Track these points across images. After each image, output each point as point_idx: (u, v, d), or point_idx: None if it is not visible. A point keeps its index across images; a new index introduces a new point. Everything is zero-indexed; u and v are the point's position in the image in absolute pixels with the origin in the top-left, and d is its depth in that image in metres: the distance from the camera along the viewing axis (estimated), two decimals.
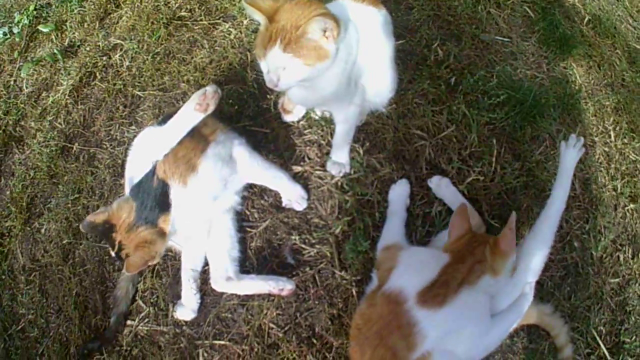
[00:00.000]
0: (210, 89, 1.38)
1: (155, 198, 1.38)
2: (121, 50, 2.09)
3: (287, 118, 1.78)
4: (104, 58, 2.11)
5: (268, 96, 1.81)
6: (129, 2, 2.20)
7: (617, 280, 1.78)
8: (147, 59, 2.02)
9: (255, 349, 1.58)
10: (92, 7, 2.29)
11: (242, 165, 1.55)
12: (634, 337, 1.79)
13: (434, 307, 1.32)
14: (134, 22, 2.11)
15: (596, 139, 1.85)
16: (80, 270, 1.84)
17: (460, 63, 1.83)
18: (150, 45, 2.07)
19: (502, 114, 1.73)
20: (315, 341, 1.58)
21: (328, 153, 1.70)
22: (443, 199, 1.65)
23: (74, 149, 2.04)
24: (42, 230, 1.98)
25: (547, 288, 1.70)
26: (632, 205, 1.86)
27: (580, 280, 1.73)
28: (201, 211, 1.51)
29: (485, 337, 1.41)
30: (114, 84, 1.99)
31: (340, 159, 1.66)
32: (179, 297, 1.67)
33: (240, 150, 1.54)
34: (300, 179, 1.69)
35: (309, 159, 1.73)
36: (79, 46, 2.19)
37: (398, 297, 1.35)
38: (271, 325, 1.60)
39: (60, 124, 2.13)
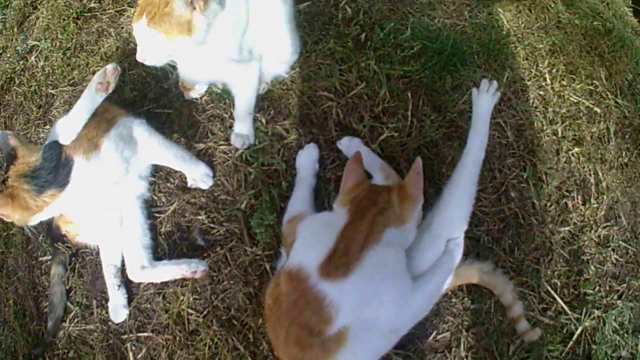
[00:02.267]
0: (109, 67, 1.41)
1: (56, 168, 1.38)
2: (37, 51, 2.14)
3: (189, 95, 1.79)
4: (22, 62, 2.16)
5: (170, 76, 1.80)
6: (45, 2, 2.26)
7: (567, 228, 1.72)
8: (59, 56, 2.06)
9: (178, 337, 1.57)
10: (12, 12, 2.35)
11: (143, 145, 1.55)
12: (597, 288, 1.71)
13: (338, 278, 1.28)
14: (48, 22, 2.17)
15: (529, 83, 1.79)
16: (14, 279, 1.86)
17: (371, 19, 1.79)
18: (62, 41, 2.11)
19: (418, 66, 1.70)
20: (235, 322, 1.57)
21: (231, 127, 1.70)
22: None
23: None
24: None
25: (485, 243, 1.64)
26: (577, 149, 1.79)
27: (522, 232, 1.66)
28: (102, 194, 1.51)
29: (409, 301, 1.36)
30: (30, 86, 2.04)
31: (243, 130, 1.65)
32: (102, 292, 1.68)
33: (140, 130, 1.55)
34: (205, 156, 1.69)
35: (213, 134, 1.73)
36: (0, 54, 2.25)
37: (299, 274, 1.31)
38: (190, 311, 1.59)
39: None
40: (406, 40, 1.74)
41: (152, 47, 1.33)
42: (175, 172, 1.70)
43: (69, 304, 1.72)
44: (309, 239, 1.38)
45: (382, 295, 1.31)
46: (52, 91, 1.97)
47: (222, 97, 1.75)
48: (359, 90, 1.69)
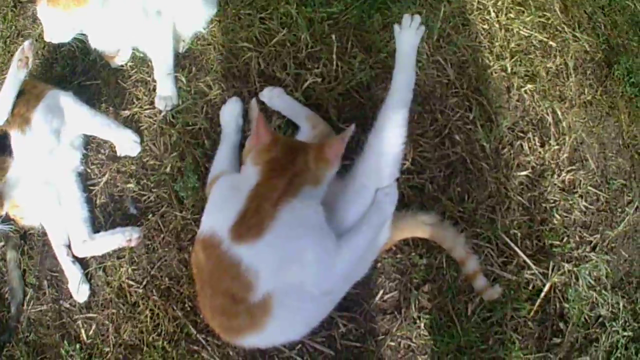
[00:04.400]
0: (26, 43, 1.51)
1: None
2: None
3: (115, 63, 1.79)
4: None
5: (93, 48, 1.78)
6: None
7: (525, 173, 1.63)
8: (1, 46, 2.08)
9: (121, 311, 1.59)
10: None
11: (70, 115, 1.61)
12: (565, 239, 1.60)
13: (251, 239, 1.20)
14: None
15: (470, 17, 1.71)
16: None
17: None
18: (3, 31, 2.10)
19: (342, 7, 1.63)
20: (173, 291, 1.55)
21: (155, 90, 1.68)
22: (280, 111, 1.56)
23: None
24: None
25: (430, 192, 1.55)
26: (530, 86, 1.70)
27: (472, 178, 1.58)
28: (39, 168, 1.57)
29: (335, 259, 1.27)
30: None
31: (165, 92, 1.65)
32: (51, 271, 1.70)
33: (66, 99, 1.61)
34: (132, 122, 1.69)
35: (138, 99, 1.72)
36: None
37: (212, 240, 1.24)
38: (130, 282, 1.60)
39: None
40: None
41: (55, 24, 1.41)
42: (105, 142, 1.72)
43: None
44: (219, 202, 1.32)
45: (303, 254, 1.24)
46: None
47: (144, 60, 1.74)
48: (280, 38, 1.63)
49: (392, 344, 1.51)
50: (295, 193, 1.22)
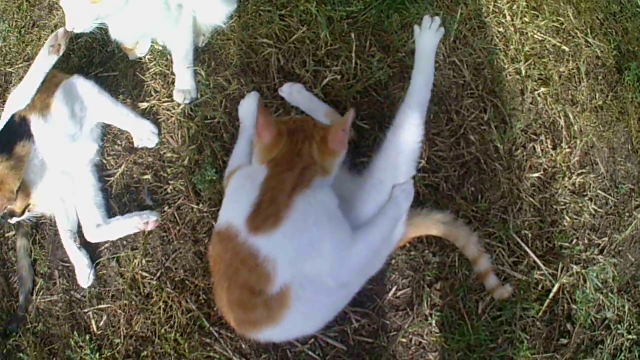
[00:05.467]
0: (61, 30, 1.55)
1: (11, 128, 1.50)
2: None
3: (133, 56, 1.82)
4: None
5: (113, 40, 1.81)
6: None
7: (537, 175, 1.67)
8: (16, 36, 2.10)
9: (134, 302, 1.62)
10: None
11: (90, 101, 1.63)
12: (575, 240, 1.64)
13: (268, 229, 1.23)
14: (5, 5, 2.19)
15: (487, 20, 1.76)
16: None
17: None
18: (18, 21, 2.12)
19: (362, 6, 1.68)
20: (188, 283, 1.58)
21: (174, 83, 1.72)
22: (299, 107, 1.61)
23: None
24: None
25: (444, 191, 1.60)
26: (543, 89, 1.75)
27: (486, 178, 1.62)
28: (59, 156, 1.59)
29: (352, 250, 1.31)
30: None
31: (184, 85, 1.68)
32: (62, 261, 1.72)
33: (85, 86, 1.63)
34: (149, 114, 1.72)
35: (156, 92, 1.76)
36: None
37: (229, 232, 1.28)
38: (144, 274, 1.63)
39: None
40: None
41: (78, 13, 1.39)
42: (122, 134, 1.75)
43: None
44: (234, 195, 1.35)
45: (320, 244, 1.27)
46: (9, 69, 2.02)
47: (163, 53, 1.77)
48: (300, 35, 1.67)
49: (404, 340, 1.55)
50: (309, 184, 1.26)
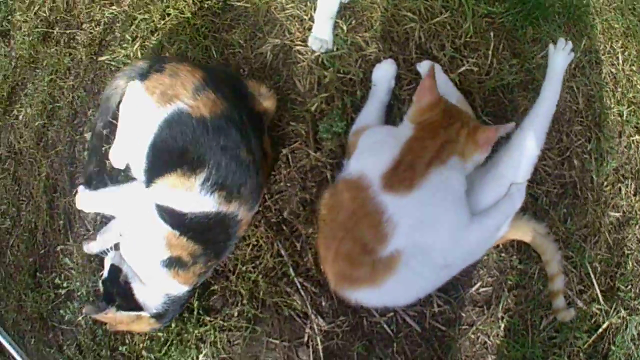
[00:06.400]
0: None
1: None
2: None
3: None
4: None
5: None
6: None
7: (617, 214, 1.77)
8: None
9: None
10: None
11: None
12: (629, 286, 1.75)
13: (401, 191, 1.28)
14: None
15: (603, 57, 1.86)
16: (51, 153, 1.94)
17: None
18: None
19: (502, 9, 1.74)
20: (284, 227, 1.57)
21: (310, 29, 1.71)
22: None
23: (55, 33, 2.15)
24: (20, 117, 2.11)
25: (542, 204, 1.66)
26: (637, 137, 1.86)
27: (578, 203, 1.70)
28: None
29: (464, 234, 1.36)
30: None
31: (322, 34, 1.67)
32: None
33: None
34: (280, 52, 1.72)
35: (290, 33, 1.75)
36: None
37: (360, 182, 1.31)
38: None
39: (44, 12, 2.24)
40: None
41: None
42: None
43: None
44: (372, 147, 1.38)
45: (440, 221, 1.32)
46: None
47: None
48: (442, 19, 1.70)
49: (472, 336, 1.59)
50: (445, 160, 1.31)
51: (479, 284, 1.60)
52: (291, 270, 1.53)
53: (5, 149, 2.11)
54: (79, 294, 1.76)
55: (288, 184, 1.59)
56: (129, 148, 1.56)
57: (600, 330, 1.66)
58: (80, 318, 1.74)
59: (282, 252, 1.54)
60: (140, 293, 1.46)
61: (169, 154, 1.42)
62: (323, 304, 1.53)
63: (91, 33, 2.05)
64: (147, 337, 1.63)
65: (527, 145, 1.47)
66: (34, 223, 1.92)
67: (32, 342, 1.90)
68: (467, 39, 1.70)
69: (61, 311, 1.77)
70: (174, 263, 1.42)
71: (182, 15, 1.85)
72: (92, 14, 2.09)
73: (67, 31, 2.12)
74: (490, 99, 1.66)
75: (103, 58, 1.95)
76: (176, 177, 1.40)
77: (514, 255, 1.63)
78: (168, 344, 1.59)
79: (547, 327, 1.64)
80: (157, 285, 1.46)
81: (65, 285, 1.76)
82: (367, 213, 1.30)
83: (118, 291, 1.44)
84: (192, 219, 1.40)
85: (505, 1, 1.76)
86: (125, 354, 1.66)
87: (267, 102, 1.51)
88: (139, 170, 1.52)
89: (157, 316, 1.47)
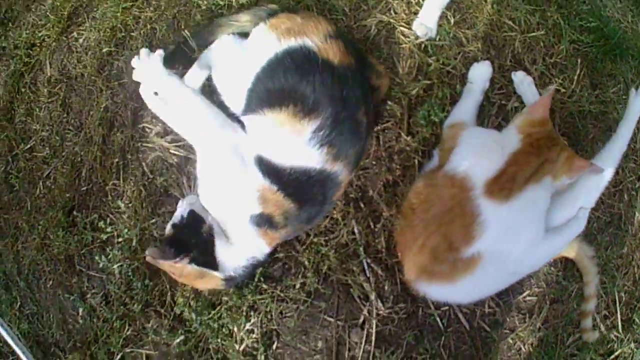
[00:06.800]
0: None
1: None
2: None
3: None
4: None
5: None
6: None
7: None
8: None
9: None
10: None
11: None
12: None
13: (500, 199, 1.36)
14: None
15: None
16: (114, 84, 1.84)
17: None
18: None
19: (589, 40, 1.81)
20: (362, 206, 1.57)
21: (416, 13, 1.72)
22: (522, 96, 1.70)
23: None
24: (80, 40, 1.99)
25: (592, 229, 1.75)
26: None
27: (619, 234, 1.81)
28: None
29: (537, 247, 1.46)
30: None
31: (428, 22, 1.69)
32: None
33: None
34: (383, 29, 1.71)
35: (395, 12, 1.74)
36: None
37: (464, 182, 1.38)
38: None
39: None
40: (583, 12, 1.85)
41: None
42: None
43: None
44: (479, 150, 1.44)
45: (522, 232, 1.42)
46: None
47: None
48: (539, 35, 1.75)
49: (510, 341, 1.67)
50: (541, 178, 1.40)
51: (527, 292, 1.68)
52: (362, 250, 1.53)
53: (57, 72, 1.98)
54: (120, 240, 1.69)
55: (374, 162, 1.59)
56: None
57: (612, 357, 1.77)
58: (115, 266, 1.67)
59: (357, 229, 1.54)
60: (221, 251, 1.38)
61: (283, 85, 1.32)
62: (385, 288, 1.55)
63: None
64: (191, 296, 1.58)
65: (602, 178, 1.58)
66: (80, 156, 1.82)
67: (50, 284, 1.83)
68: (557, 59, 1.76)
69: (96, 257, 1.69)
70: (265, 221, 1.34)
71: None
72: None
73: None
74: (568, 121, 1.74)
75: None
76: (287, 115, 1.31)
77: (561, 271, 1.72)
78: (218, 307, 1.56)
79: (572, 344, 1.73)
80: (242, 246, 1.38)
81: (109, 230, 1.68)
82: (463, 213, 1.37)
83: (197, 243, 1.35)
84: (293, 173, 1.33)
85: (594, 32, 1.83)
86: (160, 312, 1.61)
87: (381, 80, 1.49)
88: (237, 97, 1.43)
89: (229, 279, 1.40)
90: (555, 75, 1.74)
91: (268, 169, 1.34)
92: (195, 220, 1.38)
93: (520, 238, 1.41)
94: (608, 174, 1.59)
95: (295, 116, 1.31)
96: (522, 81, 1.67)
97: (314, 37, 1.37)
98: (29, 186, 1.92)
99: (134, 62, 1.44)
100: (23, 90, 2.04)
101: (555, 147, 1.43)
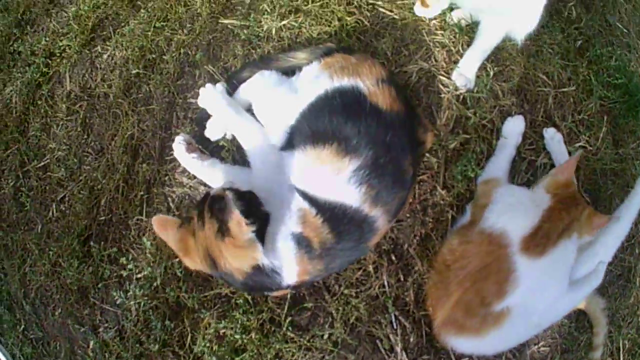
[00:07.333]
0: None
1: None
2: None
3: (421, 12, 1.80)
4: None
5: None
6: None
7: None
8: None
9: None
10: None
11: None
12: None
13: (534, 256, 1.42)
14: None
15: None
16: (142, 109, 1.79)
17: (588, 30, 1.91)
18: None
19: (615, 96, 1.86)
20: (394, 258, 1.59)
21: (456, 62, 1.74)
22: (551, 153, 1.75)
23: None
24: (105, 56, 1.92)
25: (604, 281, 1.78)
26: None
27: (628, 286, 1.87)
28: None
29: (561, 300, 1.52)
30: None
31: (468, 72, 1.71)
32: None
33: None
34: (423, 77, 1.72)
35: (436, 60, 1.75)
36: None
37: (500, 239, 1.43)
38: None
39: None
40: (611, 68, 1.89)
41: None
42: None
43: None
44: (514, 208, 1.49)
45: (550, 287, 1.49)
46: None
47: (453, 29, 1.77)
48: (569, 90, 1.78)
49: None
50: (570, 235, 1.48)
51: (541, 343, 1.74)
52: (390, 302, 1.55)
53: (78, 87, 1.92)
54: (140, 276, 1.66)
55: (408, 215, 1.61)
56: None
57: None
58: (132, 303, 1.64)
59: (387, 281, 1.57)
60: (269, 235, 1.34)
61: (328, 124, 1.35)
62: (411, 340, 1.58)
63: None
64: (214, 341, 1.56)
65: (620, 231, 1.66)
66: (100, 183, 1.76)
67: (58, 312, 1.79)
68: (585, 115, 1.80)
69: (112, 292, 1.67)
70: (304, 243, 1.33)
71: (328, 6, 1.78)
72: None
73: None
74: (591, 178, 1.79)
75: (226, 21, 1.81)
76: (329, 152, 1.34)
77: (573, 322, 1.79)
78: (242, 354, 1.55)
79: None
80: (278, 255, 1.34)
81: (130, 266, 1.65)
82: (499, 269, 1.41)
83: (253, 212, 1.31)
84: (331, 206, 1.34)
85: (619, 88, 1.87)
86: (179, 354, 1.59)
87: (427, 135, 1.50)
88: (277, 132, 1.46)
89: (258, 269, 1.33)
90: (582, 132, 1.79)
91: (305, 195, 1.37)
92: (257, 199, 1.38)
93: (547, 292, 1.47)
94: (625, 229, 1.66)
95: (337, 154, 1.33)
96: (553, 138, 1.72)
97: (366, 80, 1.40)
98: (40, 207, 1.87)
99: (202, 90, 1.57)
100: (39, 102, 1.98)
101: (579, 206, 1.51)
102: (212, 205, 1.29)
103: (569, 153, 1.74)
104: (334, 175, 1.34)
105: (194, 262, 1.35)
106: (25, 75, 2.01)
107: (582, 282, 1.57)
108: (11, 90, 2.05)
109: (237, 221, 1.24)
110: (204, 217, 1.28)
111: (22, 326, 1.84)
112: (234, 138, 1.61)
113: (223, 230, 1.25)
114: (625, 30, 2.07)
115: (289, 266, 1.34)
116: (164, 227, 1.38)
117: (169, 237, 1.38)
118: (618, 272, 1.87)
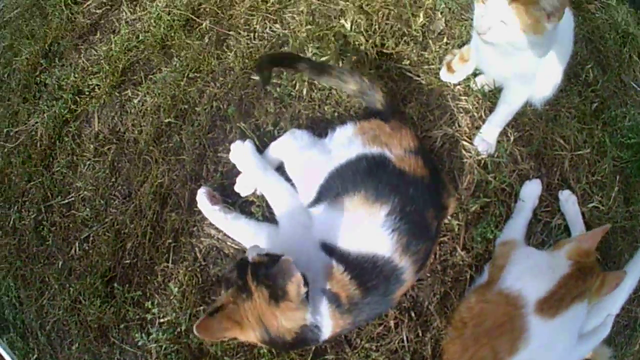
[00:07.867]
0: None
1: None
2: None
3: (446, 77, 1.90)
4: None
5: (434, 48, 1.91)
6: None
7: None
8: None
9: None
10: None
11: None
12: None
13: (547, 317, 1.53)
14: None
15: None
16: (172, 159, 1.82)
17: (604, 92, 2.00)
18: None
19: (627, 156, 1.93)
20: (413, 315, 1.68)
21: (478, 128, 1.84)
22: (565, 215, 1.85)
23: (203, 25, 2.00)
24: (135, 101, 1.96)
25: (612, 332, 1.88)
26: None
27: (634, 335, 1.95)
28: None
29: (569, 354, 1.64)
30: None
31: (489, 138, 1.81)
32: None
33: None
34: (447, 142, 1.81)
35: (459, 126, 1.84)
36: None
37: (517, 299, 1.53)
38: None
39: None
40: (625, 128, 1.98)
41: (502, 27, 1.36)
42: None
43: None
44: (533, 271, 1.61)
45: (558, 345, 1.58)
46: None
47: (476, 95, 1.88)
48: (584, 153, 1.87)
49: None
50: (582, 300, 1.58)
51: None
52: (408, 356, 1.65)
53: (107, 129, 1.97)
54: (163, 321, 1.71)
55: (428, 275, 1.71)
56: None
57: None
58: (153, 345, 1.68)
59: (407, 337, 1.66)
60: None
61: (357, 178, 1.47)
62: None
63: (248, 43, 1.97)
64: None
65: (628, 285, 1.77)
66: (126, 227, 1.82)
67: (75, 347, 1.81)
68: (599, 177, 1.89)
69: (134, 333, 1.72)
70: (334, 299, 1.42)
71: (358, 68, 1.86)
72: (251, 22, 1.99)
73: (218, 29, 2.00)
74: (605, 237, 1.87)
75: (259, 78, 1.88)
76: (360, 198, 1.45)
77: None
78: None
79: None
80: (314, 311, 1.40)
81: (155, 311, 1.71)
82: (513, 328, 1.53)
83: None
84: (358, 258, 1.43)
85: (631, 148, 1.97)
86: None
87: (450, 202, 1.59)
88: (309, 188, 1.57)
89: (305, 328, 1.37)
90: (595, 193, 1.89)
91: (333, 251, 1.47)
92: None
93: (556, 349, 1.57)
94: (633, 283, 1.78)
95: (367, 200, 1.45)
96: (567, 200, 1.82)
97: (395, 150, 1.53)
98: (62, 243, 1.91)
99: (233, 146, 1.67)
100: (66, 138, 2.03)
101: (594, 276, 1.61)
102: (256, 273, 1.32)
103: (583, 214, 1.84)
104: (368, 221, 1.45)
105: (248, 335, 1.37)
106: (52, 109, 2.06)
107: (590, 335, 1.69)
108: (36, 122, 2.08)
109: (298, 284, 1.28)
110: (250, 287, 1.31)
111: (35, 355, 1.87)
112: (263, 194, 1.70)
113: (277, 296, 1.29)
114: (639, 89, 2.15)
115: (326, 321, 1.44)
116: (206, 329, 1.35)
117: (216, 332, 1.37)
118: (625, 322, 1.98)
